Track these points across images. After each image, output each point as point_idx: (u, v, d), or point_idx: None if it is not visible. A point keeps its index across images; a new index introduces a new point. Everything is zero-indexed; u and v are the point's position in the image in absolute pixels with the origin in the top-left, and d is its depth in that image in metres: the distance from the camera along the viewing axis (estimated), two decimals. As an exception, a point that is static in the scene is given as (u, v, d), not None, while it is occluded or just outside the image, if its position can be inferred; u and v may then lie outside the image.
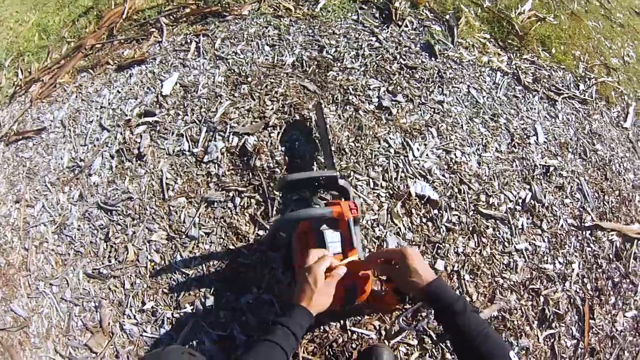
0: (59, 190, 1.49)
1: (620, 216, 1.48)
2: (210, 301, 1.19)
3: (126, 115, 1.56)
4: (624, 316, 1.34)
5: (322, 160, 1.37)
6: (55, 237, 1.41)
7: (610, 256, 1.39)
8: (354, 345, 1.15)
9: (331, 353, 1.14)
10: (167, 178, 1.38)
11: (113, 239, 1.34)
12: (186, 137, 1.45)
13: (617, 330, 1.31)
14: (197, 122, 1.48)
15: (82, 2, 2.01)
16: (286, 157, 1.37)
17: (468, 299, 1.22)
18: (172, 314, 1.19)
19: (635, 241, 1.43)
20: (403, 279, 0.85)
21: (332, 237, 0.99)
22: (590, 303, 1.31)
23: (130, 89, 1.64)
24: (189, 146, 1.43)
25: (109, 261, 1.32)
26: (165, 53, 1.73)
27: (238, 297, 1.19)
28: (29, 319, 1.30)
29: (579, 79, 1.82)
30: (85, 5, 1.98)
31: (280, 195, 1.30)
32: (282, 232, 1.21)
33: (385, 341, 1.17)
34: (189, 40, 1.76)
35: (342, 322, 1.17)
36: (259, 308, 1.18)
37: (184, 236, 1.28)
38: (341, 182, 1.12)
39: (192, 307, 1.19)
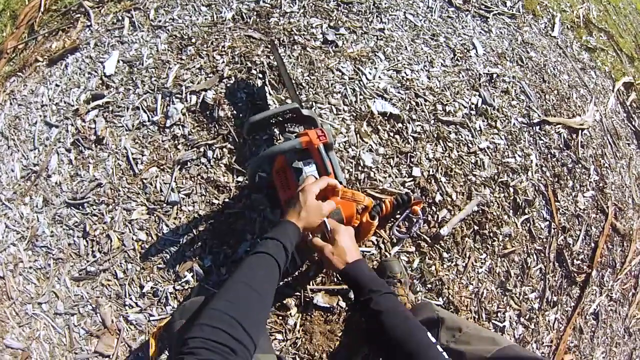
0: (20, 204, 1.34)
1: (562, 112, 1.64)
2: (208, 261, 1.11)
3: (72, 106, 1.42)
4: (584, 196, 1.52)
5: (284, 98, 1.31)
6: (29, 253, 1.28)
7: (561, 146, 1.55)
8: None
9: (339, 278, 1.13)
10: (132, 153, 1.26)
11: (92, 232, 1.23)
12: (142, 108, 1.33)
13: (580, 209, 1.49)
14: (151, 91, 1.36)
15: (-8, 8, 1.81)
16: (248, 103, 1.30)
17: (449, 199, 1.30)
18: (174, 287, 1.10)
19: (580, 131, 1.60)
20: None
21: (310, 170, 0.99)
22: (552, 188, 1.46)
23: (70, 79, 1.49)
24: (148, 116, 1.31)
25: (94, 256, 1.21)
26: (99, 35, 1.58)
27: (235, 249, 1.11)
28: (28, 349, 1.17)
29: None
30: (-3, 10, 1.79)
31: (251, 138, 1.25)
32: (260, 172, 1.18)
33: (387, 254, 1.22)
34: (120, 18, 1.61)
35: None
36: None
37: (164, 204, 1.18)
38: (305, 112, 1.08)
39: (192, 274, 1.10)
